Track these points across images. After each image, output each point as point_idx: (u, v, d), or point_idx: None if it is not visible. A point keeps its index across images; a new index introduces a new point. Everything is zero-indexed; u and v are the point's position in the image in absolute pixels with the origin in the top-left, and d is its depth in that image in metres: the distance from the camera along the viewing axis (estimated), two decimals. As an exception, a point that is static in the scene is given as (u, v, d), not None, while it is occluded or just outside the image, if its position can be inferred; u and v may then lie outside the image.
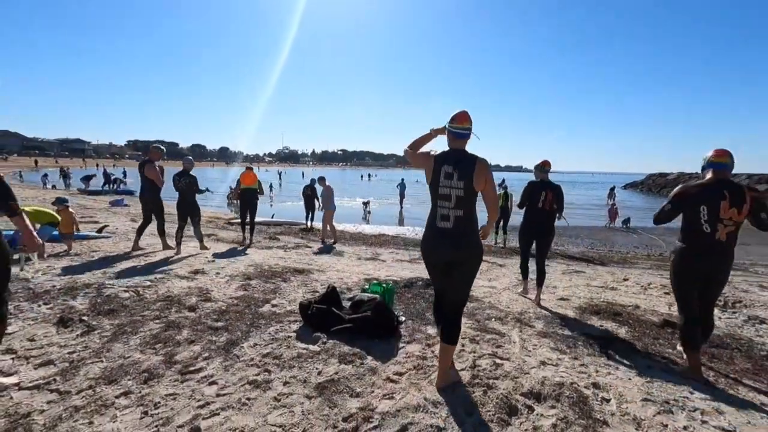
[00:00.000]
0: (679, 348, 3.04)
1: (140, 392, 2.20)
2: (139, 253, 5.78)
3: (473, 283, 2.46)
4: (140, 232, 6.17)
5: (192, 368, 2.47)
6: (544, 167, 4.48)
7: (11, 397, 2.10)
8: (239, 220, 8.39)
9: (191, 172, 6.36)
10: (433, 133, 2.51)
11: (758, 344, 3.38)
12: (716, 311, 4.12)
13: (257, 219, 8.79)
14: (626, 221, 15.82)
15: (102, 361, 2.51)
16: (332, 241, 9.08)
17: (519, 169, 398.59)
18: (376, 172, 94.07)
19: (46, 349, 2.64)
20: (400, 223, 15.95)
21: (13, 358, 2.50)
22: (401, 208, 20.11)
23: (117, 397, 2.14)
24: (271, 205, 16.10)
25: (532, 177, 4.69)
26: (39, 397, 2.12)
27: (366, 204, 18.78)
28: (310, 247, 8.09)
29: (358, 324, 3.07)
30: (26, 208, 5.28)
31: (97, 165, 50.42)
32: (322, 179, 9.70)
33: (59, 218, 5.48)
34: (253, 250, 7.07)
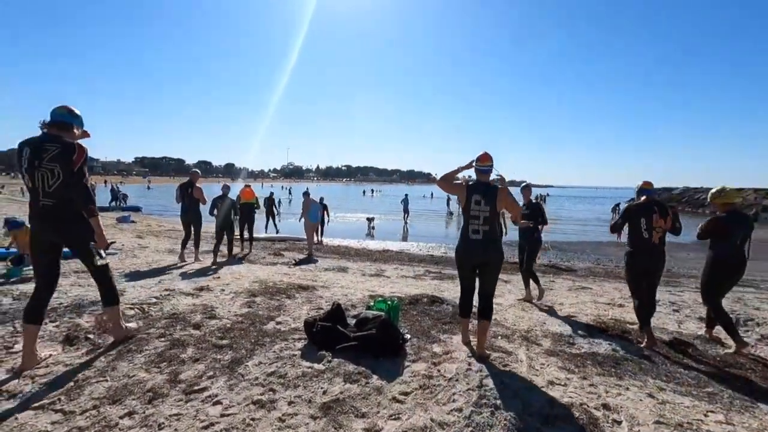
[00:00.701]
0: (638, 333, 3.78)
1: (144, 412, 2.18)
2: (146, 269, 5.91)
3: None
4: (184, 245, 7.00)
5: (196, 387, 2.45)
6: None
7: (16, 417, 2.10)
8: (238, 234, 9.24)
9: (228, 195, 7.66)
10: (460, 169, 3.24)
11: (772, 363, 3.30)
12: None
13: (259, 234, 9.78)
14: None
15: (107, 380, 2.50)
16: (308, 253, 9.28)
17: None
18: (380, 187, 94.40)
19: (51, 368, 2.64)
20: (404, 238, 15.94)
21: (18, 378, 2.50)
22: (405, 223, 20.12)
23: (121, 417, 2.13)
24: (279, 221, 16.19)
25: (535, 191, 4.82)
26: (43, 418, 2.11)
27: (370, 220, 18.82)
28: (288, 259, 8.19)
29: (363, 342, 3.05)
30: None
31: (105, 181, 51.16)
32: (306, 194, 10.08)
33: None
34: (257, 267, 7.08)
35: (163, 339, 3.19)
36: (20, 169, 2.61)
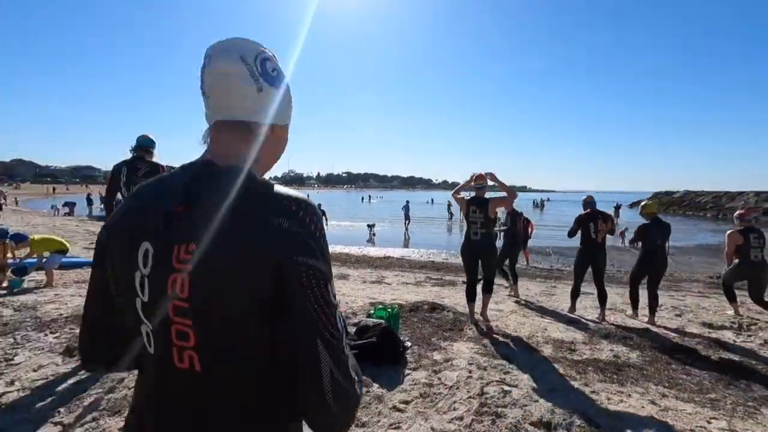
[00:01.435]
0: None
1: (144, 424, 2.17)
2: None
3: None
4: None
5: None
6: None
7: (16, 430, 2.09)
8: None
9: None
10: (464, 186, 4.45)
11: (776, 368, 3.28)
12: (731, 334, 4.26)
13: None
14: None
15: (106, 392, 2.49)
16: None
17: (523, 189, 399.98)
18: (381, 193, 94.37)
19: (51, 379, 2.64)
20: (405, 245, 15.92)
21: (18, 390, 2.50)
22: (406, 229, 20.11)
23: (120, 430, 2.12)
24: None
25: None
26: (43, 430, 2.10)
27: (371, 227, 18.81)
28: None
29: (364, 350, 3.04)
30: (34, 237, 5.38)
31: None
32: None
33: (68, 246, 5.56)
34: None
35: (163, 349, 3.18)
36: (119, 184, 3.31)
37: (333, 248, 13.11)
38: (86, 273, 5.93)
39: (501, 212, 6.37)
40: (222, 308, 0.57)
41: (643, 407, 2.51)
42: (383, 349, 3.03)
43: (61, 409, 2.28)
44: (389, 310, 3.79)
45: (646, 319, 4.70)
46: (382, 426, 2.19)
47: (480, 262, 4.26)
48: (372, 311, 4.01)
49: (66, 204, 24.19)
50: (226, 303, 0.56)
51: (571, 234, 5.03)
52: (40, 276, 5.35)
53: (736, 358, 3.50)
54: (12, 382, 2.57)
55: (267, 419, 0.62)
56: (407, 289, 6.42)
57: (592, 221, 4.87)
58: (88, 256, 7.34)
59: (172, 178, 0.64)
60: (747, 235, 4.89)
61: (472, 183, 4.31)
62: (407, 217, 20.75)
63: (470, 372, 2.91)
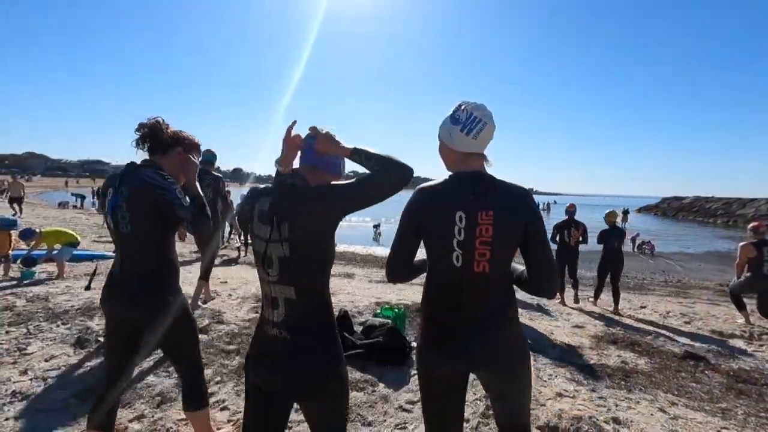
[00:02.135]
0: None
1: (153, 416, 2.20)
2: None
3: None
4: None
5: (204, 393, 2.46)
6: None
7: (29, 419, 2.13)
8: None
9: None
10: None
11: (788, 379, 3.23)
12: (741, 343, 4.18)
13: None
14: (641, 245, 15.56)
15: (116, 384, 2.53)
16: None
17: (530, 191, 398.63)
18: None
19: (63, 370, 2.68)
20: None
21: (31, 379, 2.54)
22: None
23: (130, 421, 2.15)
24: None
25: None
26: (55, 421, 2.13)
27: (377, 227, 18.79)
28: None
29: (370, 350, 3.05)
30: (46, 229, 5.46)
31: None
32: None
33: (78, 239, 5.64)
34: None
35: (171, 343, 3.21)
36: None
37: (338, 247, 13.12)
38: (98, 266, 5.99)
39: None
40: (507, 241, 1.21)
41: (652, 415, 2.49)
42: (389, 349, 3.03)
43: (73, 400, 2.32)
44: (396, 310, 3.80)
45: (611, 309, 5.54)
46: (389, 426, 2.19)
47: None
48: (378, 311, 4.02)
49: (74, 195, 25.17)
50: (508, 239, 1.20)
51: (552, 239, 5.58)
52: (51, 267, 5.44)
53: (747, 367, 3.45)
54: (25, 371, 2.62)
55: (512, 293, 1.29)
56: (413, 288, 6.41)
57: (566, 228, 5.89)
58: (98, 249, 7.43)
59: (459, 181, 1.26)
60: (761, 248, 4.78)
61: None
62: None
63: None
